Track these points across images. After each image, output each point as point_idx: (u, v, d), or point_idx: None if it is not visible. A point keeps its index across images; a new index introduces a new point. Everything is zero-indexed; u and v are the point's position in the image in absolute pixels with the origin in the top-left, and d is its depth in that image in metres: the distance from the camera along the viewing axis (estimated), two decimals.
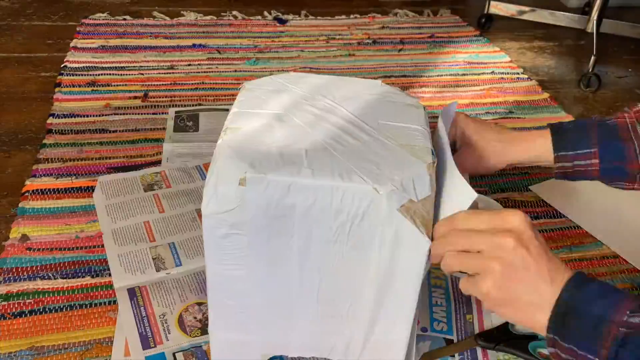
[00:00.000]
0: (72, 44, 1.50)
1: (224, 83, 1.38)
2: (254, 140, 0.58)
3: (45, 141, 1.11)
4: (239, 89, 0.71)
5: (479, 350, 0.75)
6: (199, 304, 0.79)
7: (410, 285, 0.59)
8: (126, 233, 0.90)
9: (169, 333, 0.75)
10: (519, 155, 0.80)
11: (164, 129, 1.19)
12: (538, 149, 0.77)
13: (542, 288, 0.50)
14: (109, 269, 0.84)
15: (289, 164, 0.55)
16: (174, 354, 0.72)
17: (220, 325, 0.66)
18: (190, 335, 0.74)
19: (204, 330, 0.75)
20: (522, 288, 0.50)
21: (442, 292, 0.84)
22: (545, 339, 0.50)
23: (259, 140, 0.58)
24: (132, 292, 0.80)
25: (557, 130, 0.73)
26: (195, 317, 0.77)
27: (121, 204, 0.95)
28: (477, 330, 0.78)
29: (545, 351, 0.67)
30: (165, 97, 1.31)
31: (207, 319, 0.75)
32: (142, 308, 0.78)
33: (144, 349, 0.72)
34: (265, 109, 0.65)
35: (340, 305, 0.62)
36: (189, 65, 1.46)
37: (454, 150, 0.81)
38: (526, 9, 1.82)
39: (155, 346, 0.73)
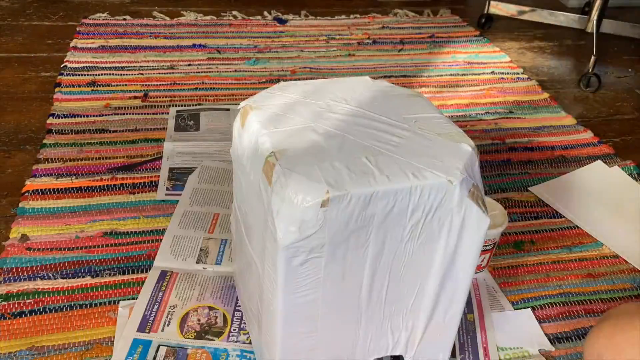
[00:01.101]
0: (72, 44, 1.50)
1: (224, 83, 1.38)
2: (306, 158, 0.55)
3: (45, 141, 1.11)
4: (237, 104, 0.68)
5: (481, 350, 0.75)
6: (211, 308, 0.79)
7: (469, 264, 0.61)
8: (193, 218, 0.94)
9: (167, 326, 0.76)
10: None
11: (164, 128, 1.19)
12: None
13: None
14: (109, 269, 0.84)
15: (361, 174, 0.53)
16: (159, 346, 0.73)
17: (289, 354, 0.62)
18: (183, 335, 0.75)
19: (198, 335, 0.75)
20: None
21: None
22: None
23: (311, 156, 0.55)
24: (162, 275, 0.83)
25: None
26: (199, 320, 0.77)
27: (207, 191, 1.00)
28: (478, 329, 0.78)
29: None
30: (165, 97, 1.31)
31: (209, 325, 0.76)
32: (161, 294, 0.80)
33: (137, 331, 0.75)
34: (287, 123, 0.61)
35: (406, 301, 0.62)
36: (189, 65, 1.46)
37: None
38: (526, 9, 1.82)
39: (149, 332, 0.75)
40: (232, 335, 0.75)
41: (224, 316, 0.78)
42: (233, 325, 0.77)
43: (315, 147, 0.57)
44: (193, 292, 0.81)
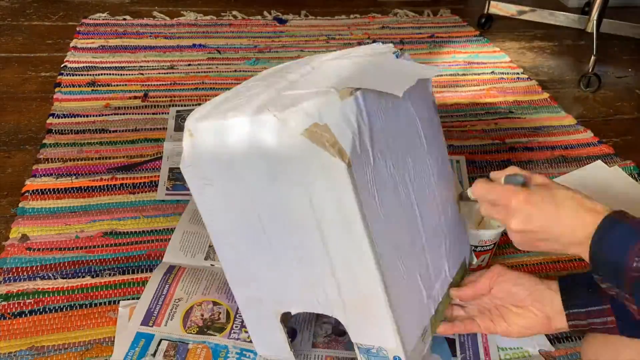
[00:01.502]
0: (72, 44, 1.50)
1: (224, 83, 1.38)
2: (212, 105, 0.61)
3: (45, 141, 1.11)
4: None
5: (481, 350, 0.75)
6: (215, 303, 0.79)
7: (350, 223, 0.54)
8: None
9: (171, 320, 0.76)
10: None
11: (164, 128, 1.19)
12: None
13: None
14: (109, 269, 0.84)
15: (222, 111, 0.57)
16: (160, 340, 0.74)
17: (234, 281, 0.67)
18: (185, 330, 0.75)
19: (201, 330, 0.75)
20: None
21: None
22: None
23: (219, 103, 0.61)
24: (169, 269, 0.84)
25: (566, 284, 0.66)
26: (202, 315, 0.77)
27: None
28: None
29: None
30: (165, 97, 1.31)
31: (212, 320, 0.76)
32: (167, 286, 0.81)
33: (141, 324, 0.75)
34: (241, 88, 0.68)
35: (301, 253, 0.59)
36: (189, 65, 1.46)
37: None
38: (526, 9, 1.82)
39: (152, 326, 0.75)
40: (234, 332, 0.76)
41: (227, 312, 0.78)
42: (235, 322, 0.77)
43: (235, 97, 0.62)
44: (199, 287, 0.81)
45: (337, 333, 0.76)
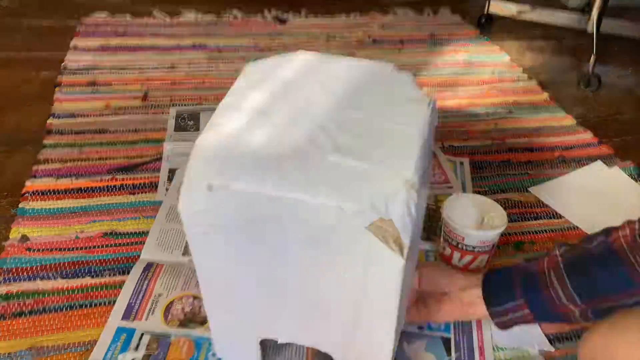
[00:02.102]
0: (72, 44, 1.50)
1: (224, 83, 1.38)
2: (232, 140, 0.55)
3: (45, 142, 1.11)
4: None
5: (476, 350, 0.75)
6: (195, 297, 0.80)
7: (387, 304, 0.57)
8: None
9: (152, 314, 0.77)
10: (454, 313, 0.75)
11: (164, 129, 1.19)
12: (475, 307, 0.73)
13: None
14: (109, 269, 0.84)
15: (257, 171, 0.52)
16: (142, 334, 0.74)
17: (213, 304, 0.65)
18: (167, 324, 0.76)
19: (182, 323, 0.76)
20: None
21: None
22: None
23: (239, 140, 0.55)
24: (147, 266, 0.84)
25: (486, 285, 0.71)
26: (182, 309, 0.78)
27: None
28: (474, 329, 0.78)
29: None
30: (165, 97, 1.31)
31: (192, 313, 0.77)
32: (146, 282, 0.81)
33: (122, 319, 0.76)
34: (252, 102, 0.61)
35: (320, 309, 0.61)
36: (189, 65, 1.46)
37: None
38: (526, 9, 1.82)
39: (133, 320, 0.76)
40: None
41: None
42: None
43: (249, 130, 0.57)
44: (178, 282, 0.82)
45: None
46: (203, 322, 0.76)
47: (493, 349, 0.76)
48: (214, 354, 0.72)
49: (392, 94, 0.64)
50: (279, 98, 0.62)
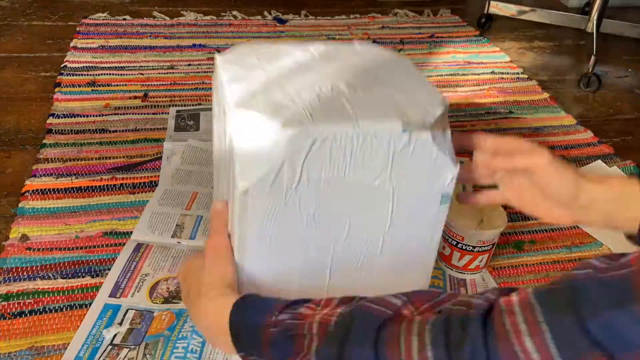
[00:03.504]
0: (72, 44, 1.50)
1: None
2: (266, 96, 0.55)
3: (45, 141, 1.11)
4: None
5: None
6: None
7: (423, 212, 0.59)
8: (173, 196, 0.98)
9: (138, 292, 0.79)
10: (599, 192, 0.60)
11: (164, 128, 1.19)
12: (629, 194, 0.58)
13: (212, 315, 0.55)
14: (109, 269, 0.84)
15: (315, 112, 0.52)
16: (127, 310, 0.76)
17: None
18: (151, 300, 0.78)
19: (166, 300, 0.78)
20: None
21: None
22: None
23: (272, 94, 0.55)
24: (137, 247, 0.87)
25: None
26: (168, 288, 0.80)
27: (189, 172, 1.04)
28: None
29: None
30: (165, 97, 1.31)
31: (177, 292, 0.80)
32: (134, 263, 0.84)
33: (109, 296, 0.79)
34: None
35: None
36: (189, 65, 1.46)
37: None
38: (526, 9, 1.82)
39: (119, 297, 0.78)
40: None
41: None
42: None
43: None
44: (165, 264, 0.84)
45: None
46: None
47: None
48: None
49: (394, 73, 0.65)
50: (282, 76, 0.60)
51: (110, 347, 0.71)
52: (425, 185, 0.56)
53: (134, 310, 0.76)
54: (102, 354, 0.70)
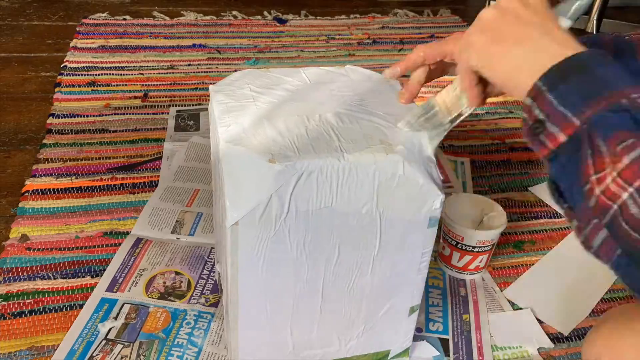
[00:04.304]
0: (72, 44, 1.50)
1: None
2: (253, 131, 0.57)
3: (45, 141, 1.11)
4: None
5: (475, 350, 0.75)
6: (178, 273, 0.83)
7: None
8: (174, 193, 0.99)
9: (134, 286, 0.80)
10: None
11: (164, 128, 1.19)
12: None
13: (547, 44, 0.44)
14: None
15: (302, 146, 0.54)
16: (123, 304, 0.77)
17: (250, 325, 0.62)
18: (147, 295, 0.79)
19: (162, 296, 0.79)
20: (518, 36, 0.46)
21: (439, 292, 0.84)
22: (528, 91, 0.43)
23: (258, 132, 0.56)
24: (137, 242, 0.88)
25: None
26: (164, 283, 0.81)
27: (191, 169, 1.05)
28: (473, 329, 0.78)
29: None
30: (165, 97, 1.31)
31: (173, 288, 0.80)
32: (133, 258, 0.85)
33: (106, 291, 0.80)
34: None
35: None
36: (189, 65, 1.46)
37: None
38: None
39: (116, 292, 0.79)
40: (193, 299, 0.79)
41: (189, 281, 0.82)
42: (196, 290, 0.81)
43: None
44: (163, 258, 0.85)
45: None
46: (182, 296, 0.79)
47: (492, 348, 0.76)
48: (188, 323, 0.75)
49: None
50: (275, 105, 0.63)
51: (104, 341, 0.72)
52: (412, 212, 0.57)
53: (129, 305, 0.77)
54: (96, 348, 0.71)
